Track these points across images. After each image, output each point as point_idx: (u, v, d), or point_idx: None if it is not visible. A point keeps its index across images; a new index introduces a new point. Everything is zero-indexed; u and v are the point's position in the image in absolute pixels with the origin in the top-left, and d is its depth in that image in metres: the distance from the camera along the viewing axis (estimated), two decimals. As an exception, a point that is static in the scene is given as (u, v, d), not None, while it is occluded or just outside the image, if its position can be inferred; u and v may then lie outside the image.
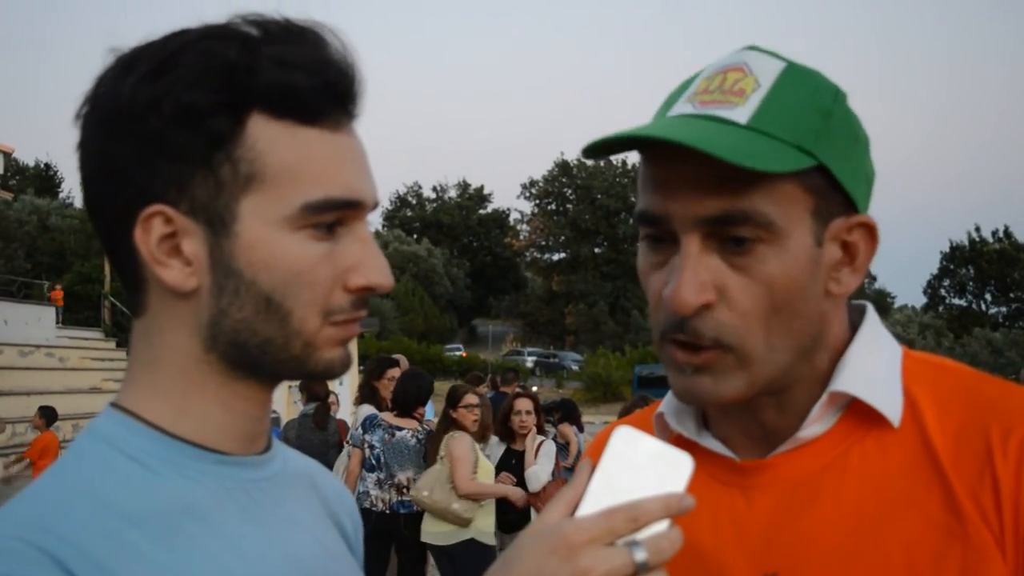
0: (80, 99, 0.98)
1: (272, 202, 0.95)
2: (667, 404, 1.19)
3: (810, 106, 1.01)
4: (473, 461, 6.58)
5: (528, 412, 7.56)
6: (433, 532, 6.64)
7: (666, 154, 0.99)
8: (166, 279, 0.96)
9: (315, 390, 8.83)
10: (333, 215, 0.97)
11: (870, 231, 1.06)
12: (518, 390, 9.10)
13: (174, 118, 0.92)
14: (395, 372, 7.91)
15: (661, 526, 0.85)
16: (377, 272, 1.00)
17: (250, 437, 1.05)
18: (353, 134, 1.01)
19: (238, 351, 0.98)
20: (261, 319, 0.97)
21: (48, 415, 11.31)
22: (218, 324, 0.97)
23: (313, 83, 0.95)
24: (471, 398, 6.84)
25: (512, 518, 6.92)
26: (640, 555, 0.83)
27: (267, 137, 0.94)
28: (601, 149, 1.03)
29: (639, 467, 0.89)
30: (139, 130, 0.93)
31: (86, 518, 0.89)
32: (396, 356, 8.89)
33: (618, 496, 0.87)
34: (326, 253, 0.97)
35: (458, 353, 53.60)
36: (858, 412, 1.06)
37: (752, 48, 1.06)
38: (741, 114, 0.99)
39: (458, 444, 6.60)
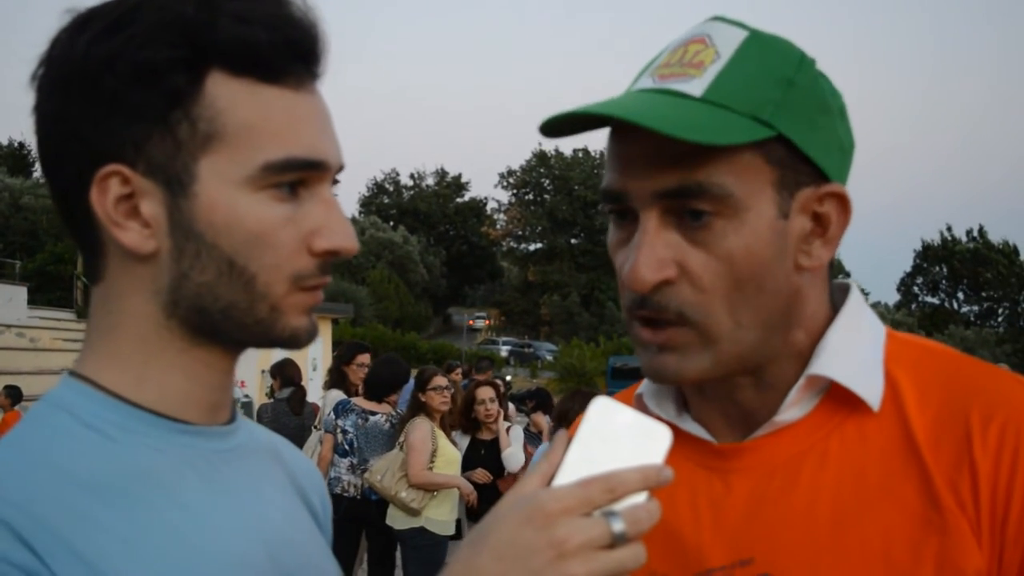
0: (35, 61, 0.96)
1: (232, 162, 0.93)
2: (646, 386, 1.17)
3: (769, 76, 0.99)
4: (430, 450, 6.53)
5: (492, 400, 7.49)
6: (391, 515, 6.65)
7: (623, 131, 0.98)
8: (124, 241, 0.94)
9: (289, 374, 8.78)
10: (294, 175, 0.95)
11: (842, 201, 1.03)
12: (494, 379, 9.08)
13: (130, 76, 0.90)
14: (364, 358, 7.88)
15: (639, 498, 0.84)
16: (342, 235, 0.98)
17: (213, 406, 1.03)
18: (316, 94, 0.99)
19: (200, 316, 0.96)
20: (224, 283, 0.95)
21: (13, 394, 11.22)
22: (179, 288, 0.95)
23: (273, 39, 0.93)
24: (439, 380, 6.80)
25: (485, 508, 6.88)
26: (617, 526, 0.81)
27: (226, 95, 0.93)
28: (555, 128, 1.02)
29: (616, 438, 0.87)
30: (94, 89, 0.91)
31: (42, 486, 0.88)
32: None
33: (595, 467, 0.85)
34: (288, 215, 0.95)
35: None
36: (838, 396, 1.04)
37: (718, 19, 1.04)
38: (696, 87, 0.98)
39: (416, 431, 6.57)
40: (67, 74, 0.93)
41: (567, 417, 5.61)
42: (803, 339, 1.06)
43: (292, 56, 0.95)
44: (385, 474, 6.50)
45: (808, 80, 1.01)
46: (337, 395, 7.66)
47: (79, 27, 0.93)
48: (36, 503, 0.86)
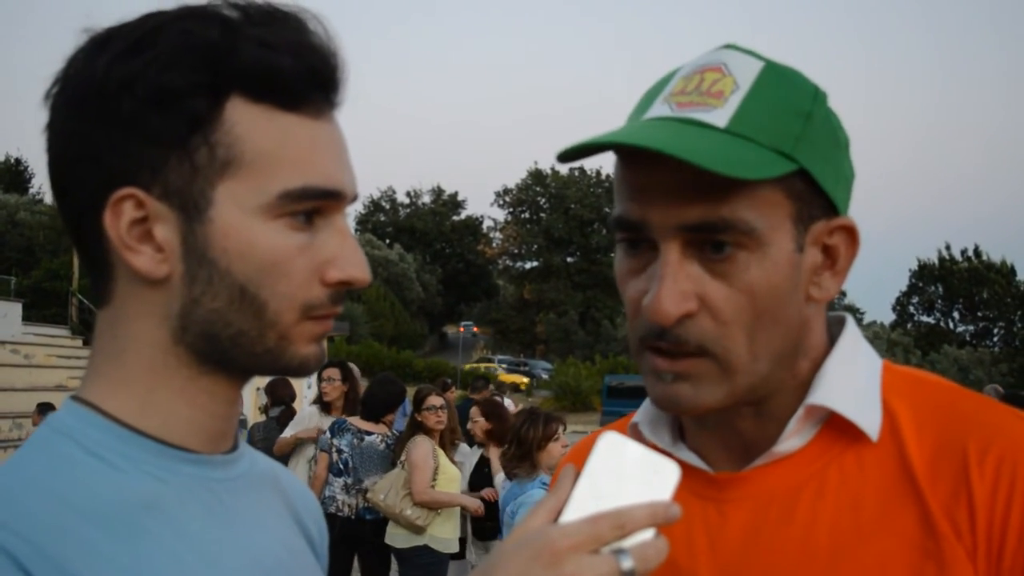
0: (50, 79, 0.95)
1: (249, 188, 0.92)
2: (642, 414, 1.17)
3: (790, 108, 0.99)
4: (432, 468, 6.55)
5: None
6: (391, 534, 6.63)
7: (644, 159, 0.96)
8: (136, 266, 0.93)
9: (280, 394, 8.81)
10: (311, 204, 0.95)
11: (851, 233, 1.04)
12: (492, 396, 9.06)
13: (150, 98, 0.90)
14: (328, 372, 7.86)
15: (647, 534, 0.84)
16: (355, 266, 0.97)
17: (217, 435, 1.02)
18: (334, 123, 0.99)
19: (208, 343, 0.95)
20: (235, 310, 0.94)
21: (45, 412, 11.07)
22: (189, 314, 0.95)
23: (295, 67, 0.93)
24: (434, 400, 6.81)
25: (488, 526, 6.86)
26: (627, 563, 0.81)
27: (246, 121, 0.92)
28: (576, 154, 1.01)
29: (625, 474, 0.87)
30: (112, 110, 0.90)
31: (43, 514, 0.86)
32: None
33: (603, 503, 0.85)
34: (303, 244, 0.95)
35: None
36: (837, 426, 1.04)
37: (730, 47, 1.04)
38: (720, 117, 0.97)
39: (417, 450, 6.57)
40: (84, 94, 0.92)
41: (524, 439, 5.43)
42: (806, 369, 1.06)
43: (313, 84, 0.95)
44: (388, 493, 6.49)
45: (823, 113, 1.01)
46: (311, 411, 7.84)
47: (98, 47, 0.92)
48: (37, 532, 0.85)
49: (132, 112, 0.90)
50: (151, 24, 0.92)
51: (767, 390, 1.04)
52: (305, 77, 0.94)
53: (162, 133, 0.91)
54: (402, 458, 6.66)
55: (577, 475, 0.87)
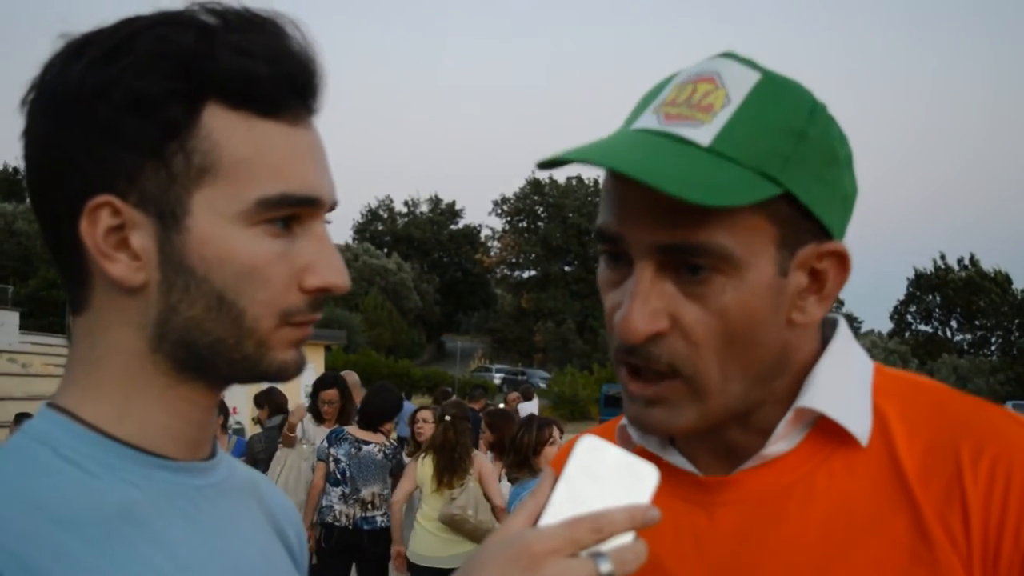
0: (27, 86, 0.95)
1: (226, 196, 0.92)
2: None
3: (780, 127, 0.96)
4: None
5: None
6: (456, 555, 6.33)
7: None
8: (113, 273, 0.92)
9: (279, 403, 8.78)
10: (288, 211, 0.94)
11: (841, 260, 1.01)
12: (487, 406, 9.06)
13: (125, 105, 0.89)
14: (328, 395, 7.93)
15: (626, 538, 0.84)
16: (334, 272, 0.97)
17: (194, 443, 1.01)
18: (313, 129, 0.99)
19: (186, 351, 0.95)
20: (212, 317, 0.93)
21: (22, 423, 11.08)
22: (166, 322, 0.94)
23: (273, 73, 0.92)
24: (424, 414, 6.99)
25: None
26: (605, 567, 0.82)
27: (223, 128, 0.92)
28: (554, 166, 1.00)
29: (603, 478, 0.87)
30: (88, 117, 0.90)
31: (18, 521, 0.85)
32: (345, 372, 8.98)
33: (582, 507, 0.85)
34: (281, 251, 0.94)
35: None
36: (826, 429, 1.03)
37: (728, 55, 1.01)
38: (704, 134, 0.95)
39: (485, 463, 6.61)
40: (60, 101, 0.91)
41: (520, 446, 5.48)
42: (790, 384, 1.05)
43: (290, 90, 0.95)
44: (477, 509, 6.35)
45: (819, 131, 0.98)
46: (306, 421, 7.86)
47: (74, 53, 0.92)
48: (12, 539, 0.84)
49: (108, 119, 0.90)
50: (128, 30, 0.92)
51: (744, 409, 1.03)
52: (283, 83, 0.94)
53: (138, 140, 0.90)
54: (471, 473, 6.54)
55: (556, 479, 0.87)
